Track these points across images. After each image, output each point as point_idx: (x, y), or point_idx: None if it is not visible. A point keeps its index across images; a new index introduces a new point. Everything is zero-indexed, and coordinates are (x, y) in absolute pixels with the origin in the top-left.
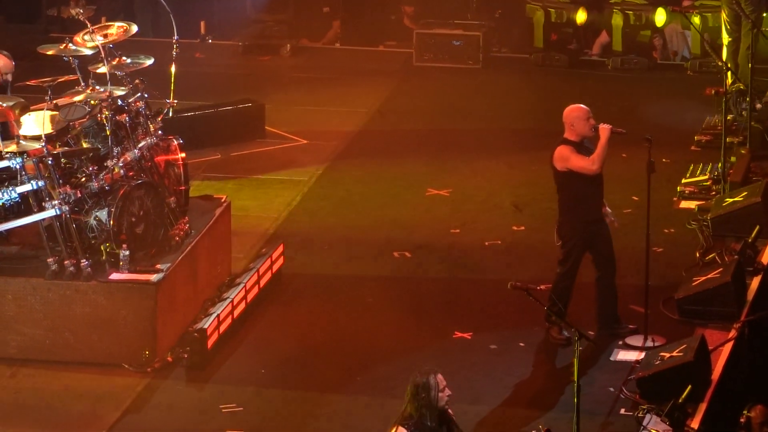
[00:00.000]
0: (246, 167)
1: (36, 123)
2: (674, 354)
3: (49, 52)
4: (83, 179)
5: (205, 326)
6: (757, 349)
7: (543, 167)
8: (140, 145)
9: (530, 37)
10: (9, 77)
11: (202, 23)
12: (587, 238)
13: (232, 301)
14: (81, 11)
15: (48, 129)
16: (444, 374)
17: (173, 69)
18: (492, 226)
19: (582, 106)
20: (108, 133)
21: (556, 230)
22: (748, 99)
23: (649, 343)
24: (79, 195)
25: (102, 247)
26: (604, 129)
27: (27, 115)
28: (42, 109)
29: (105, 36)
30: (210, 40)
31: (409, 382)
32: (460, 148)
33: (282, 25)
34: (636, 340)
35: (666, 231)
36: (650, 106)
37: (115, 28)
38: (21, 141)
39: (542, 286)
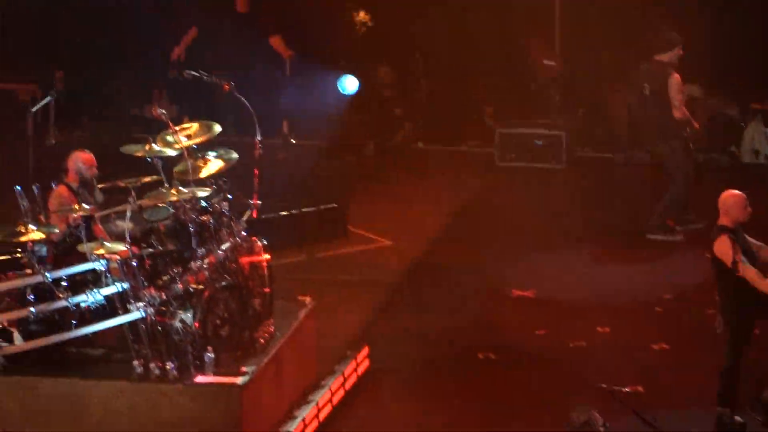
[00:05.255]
0: (330, 268)
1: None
2: None
3: (134, 153)
4: (168, 281)
5: (291, 429)
6: None
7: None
8: (224, 246)
9: (614, 135)
10: (94, 171)
11: (285, 123)
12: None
13: (317, 404)
14: (164, 111)
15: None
16: None
17: (257, 169)
18: (576, 326)
19: (738, 192)
20: (192, 233)
21: (719, 312)
22: None
23: None
24: (164, 297)
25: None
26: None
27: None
28: (125, 210)
29: (188, 137)
30: (293, 141)
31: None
32: (546, 247)
33: (364, 126)
34: None
35: None
36: None
37: (198, 128)
38: (105, 243)
39: (628, 388)
